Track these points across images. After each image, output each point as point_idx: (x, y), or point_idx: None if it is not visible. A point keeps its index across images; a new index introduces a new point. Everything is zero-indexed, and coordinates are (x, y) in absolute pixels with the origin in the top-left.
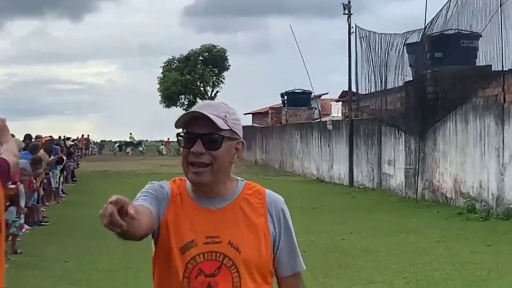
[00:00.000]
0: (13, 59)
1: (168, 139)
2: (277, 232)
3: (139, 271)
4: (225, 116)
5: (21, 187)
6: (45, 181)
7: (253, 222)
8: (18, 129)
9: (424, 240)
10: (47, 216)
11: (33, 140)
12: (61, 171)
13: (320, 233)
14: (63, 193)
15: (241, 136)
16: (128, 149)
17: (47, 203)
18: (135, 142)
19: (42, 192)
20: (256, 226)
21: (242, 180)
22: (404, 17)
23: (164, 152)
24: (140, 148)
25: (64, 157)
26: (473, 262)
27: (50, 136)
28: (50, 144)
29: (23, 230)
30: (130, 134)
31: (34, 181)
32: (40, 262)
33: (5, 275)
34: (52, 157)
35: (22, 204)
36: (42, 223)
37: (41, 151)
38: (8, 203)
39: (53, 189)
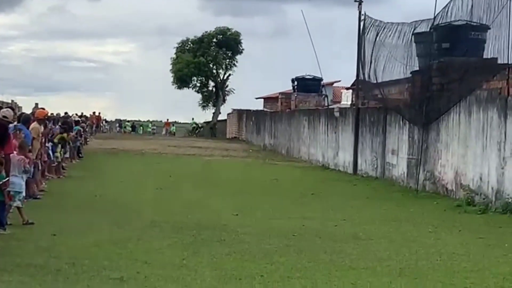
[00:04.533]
0: (32, 35)
1: (167, 120)
2: None
3: (124, 247)
4: None
5: (15, 159)
6: (44, 154)
7: None
8: (33, 104)
9: (416, 230)
10: (46, 189)
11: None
12: (62, 146)
13: (313, 219)
14: (63, 168)
15: None
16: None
17: (47, 177)
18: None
19: (40, 166)
20: None
21: None
22: (415, 7)
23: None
24: (148, 128)
25: (57, 131)
26: (461, 254)
27: (42, 108)
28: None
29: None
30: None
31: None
32: (27, 234)
33: None
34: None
35: (12, 176)
36: (38, 196)
37: (34, 124)
38: None
39: (54, 164)
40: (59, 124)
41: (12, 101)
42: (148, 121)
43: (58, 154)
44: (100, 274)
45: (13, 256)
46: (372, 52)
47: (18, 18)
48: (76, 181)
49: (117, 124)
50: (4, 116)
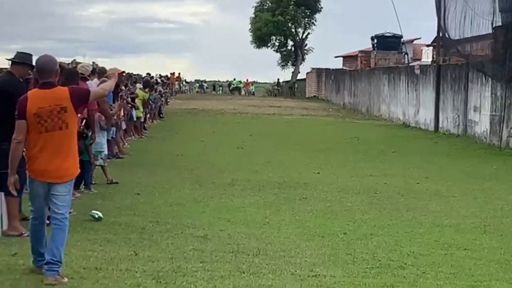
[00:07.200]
0: None
1: (247, 80)
2: None
3: (206, 206)
4: None
5: (99, 117)
6: (127, 115)
7: None
8: (112, 66)
9: (500, 187)
10: (128, 149)
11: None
12: (144, 106)
13: (395, 176)
14: (145, 129)
15: None
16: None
17: (129, 137)
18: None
19: (123, 126)
20: None
21: None
22: None
23: (243, 93)
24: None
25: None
26: None
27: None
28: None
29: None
30: (234, 79)
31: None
32: (112, 193)
33: (77, 204)
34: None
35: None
36: (120, 156)
37: None
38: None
39: (135, 124)
40: (140, 84)
41: (94, 62)
42: (240, 81)
43: (140, 114)
44: (184, 232)
45: None
46: (453, 8)
47: None
48: (157, 141)
49: (198, 85)
50: (80, 73)
